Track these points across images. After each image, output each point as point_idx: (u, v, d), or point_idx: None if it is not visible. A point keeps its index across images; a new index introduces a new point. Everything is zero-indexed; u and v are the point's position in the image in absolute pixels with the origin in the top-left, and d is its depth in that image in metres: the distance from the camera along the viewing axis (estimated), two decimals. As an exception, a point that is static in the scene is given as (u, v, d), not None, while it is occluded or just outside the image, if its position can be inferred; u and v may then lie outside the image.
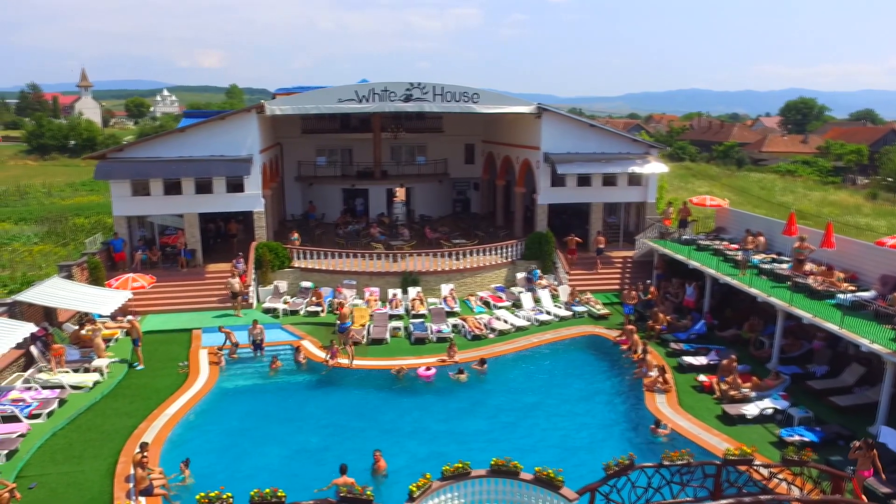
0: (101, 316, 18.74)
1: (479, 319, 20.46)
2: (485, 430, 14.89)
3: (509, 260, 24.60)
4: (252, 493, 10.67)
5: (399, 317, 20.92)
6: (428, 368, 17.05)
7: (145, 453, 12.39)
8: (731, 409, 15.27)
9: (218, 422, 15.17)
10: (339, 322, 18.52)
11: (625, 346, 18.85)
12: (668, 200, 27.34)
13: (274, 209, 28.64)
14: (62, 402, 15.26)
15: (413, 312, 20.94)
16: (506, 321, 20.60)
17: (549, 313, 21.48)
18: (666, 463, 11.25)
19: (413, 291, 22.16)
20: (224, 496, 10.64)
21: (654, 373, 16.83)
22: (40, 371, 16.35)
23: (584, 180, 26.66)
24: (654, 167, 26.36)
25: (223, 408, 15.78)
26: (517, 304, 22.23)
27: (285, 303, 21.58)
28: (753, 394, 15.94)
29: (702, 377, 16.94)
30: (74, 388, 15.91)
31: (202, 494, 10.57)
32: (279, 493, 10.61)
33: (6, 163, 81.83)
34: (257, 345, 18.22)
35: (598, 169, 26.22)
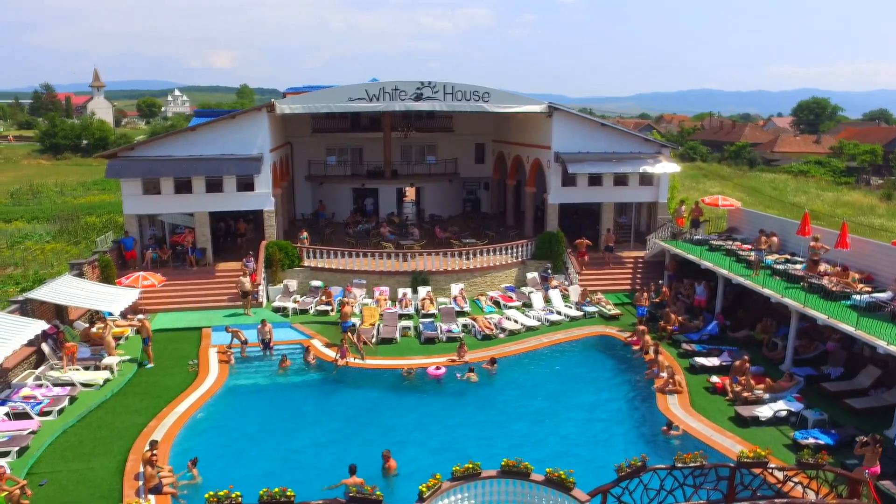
0: (111, 314, 18.79)
1: (489, 319, 20.36)
2: (495, 431, 14.79)
3: (520, 260, 24.48)
4: (261, 492, 10.63)
5: (409, 316, 20.85)
6: (438, 368, 16.97)
7: (155, 451, 12.38)
8: (745, 411, 15.08)
9: (227, 420, 15.15)
10: (341, 321, 18.50)
11: (636, 347, 18.70)
12: (679, 200, 27.10)
13: (284, 208, 28.65)
14: (73, 399, 15.30)
15: (423, 312, 20.87)
16: (516, 321, 20.49)
17: (559, 313, 21.35)
18: (679, 465, 11.11)
19: (423, 291, 22.08)
20: (233, 495, 10.61)
21: (665, 374, 16.67)
22: (51, 368, 16.40)
23: (595, 180, 26.48)
24: (666, 167, 26.15)
25: (233, 407, 15.76)
26: (527, 304, 22.10)
27: (295, 302, 21.56)
28: (767, 395, 15.75)
29: (714, 378, 16.76)
30: (85, 385, 15.95)
31: (211, 493, 10.54)
32: (288, 493, 10.56)
33: (20, 162, 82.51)
34: (266, 344, 18.20)
35: (610, 168, 26.01)
